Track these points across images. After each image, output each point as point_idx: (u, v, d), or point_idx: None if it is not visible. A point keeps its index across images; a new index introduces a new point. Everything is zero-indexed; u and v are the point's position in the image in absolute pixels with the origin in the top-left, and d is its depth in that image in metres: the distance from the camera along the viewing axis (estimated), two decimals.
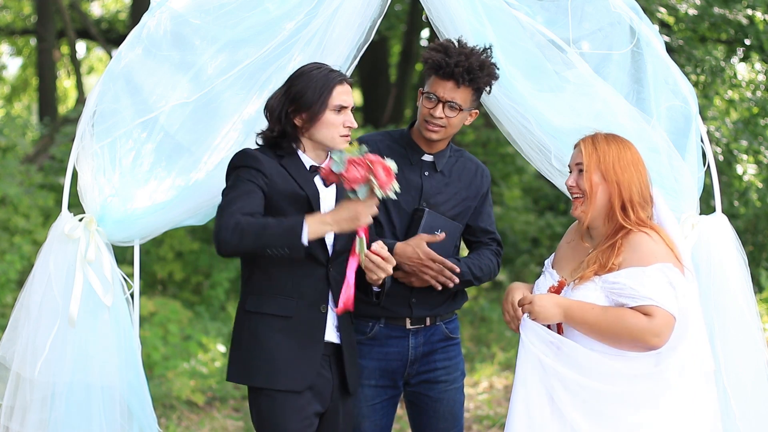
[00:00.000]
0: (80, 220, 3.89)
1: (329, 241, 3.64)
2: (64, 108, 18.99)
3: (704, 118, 8.72)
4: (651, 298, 3.36)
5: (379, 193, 3.43)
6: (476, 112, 4.02)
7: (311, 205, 3.60)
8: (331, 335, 3.69)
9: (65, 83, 20.47)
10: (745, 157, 9.17)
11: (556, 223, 11.53)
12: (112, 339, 3.86)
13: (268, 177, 3.57)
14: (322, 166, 3.59)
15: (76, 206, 3.94)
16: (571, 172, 3.62)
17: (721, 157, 8.88)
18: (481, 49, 3.89)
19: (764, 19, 9.06)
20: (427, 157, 4.08)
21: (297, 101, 3.61)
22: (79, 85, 16.01)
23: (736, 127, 9.30)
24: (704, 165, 3.97)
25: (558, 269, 3.66)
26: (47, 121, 14.04)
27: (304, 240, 3.44)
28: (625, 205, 3.49)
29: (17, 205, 9.02)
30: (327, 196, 3.69)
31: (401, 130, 4.17)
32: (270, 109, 3.67)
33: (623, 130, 3.90)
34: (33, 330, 3.84)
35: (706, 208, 4.12)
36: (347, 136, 3.65)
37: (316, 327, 3.64)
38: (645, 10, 4.12)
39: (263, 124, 3.91)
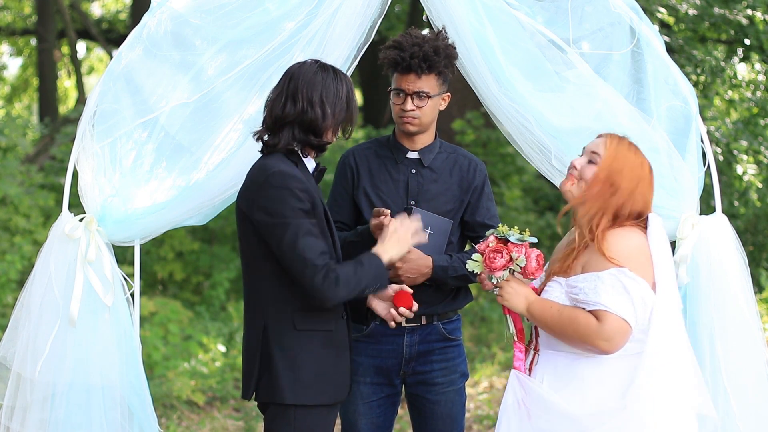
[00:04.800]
0: (81, 220, 3.89)
1: None
2: (64, 108, 19.01)
3: (704, 118, 8.72)
4: (601, 303, 3.36)
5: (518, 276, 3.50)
6: (448, 95, 4.08)
7: (325, 211, 3.59)
8: None
9: (65, 83, 20.49)
10: (745, 157, 9.17)
11: (557, 223, 11.51)
12: (113, 339, 3.86)
13: (309, 195, 3.51)
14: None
15: (76, 206, 3.94)
16: (582, 153, 3.60)
17: (721, 157, 8.88)
18: (435, 33, 3.94)
19: (764, 19, 9.07)
20: (412, 155, 4.10)
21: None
22: (80, 85, 16.01)
23: (736, 127, 9.30)
24: (704, 165, 3.97)
25: (549, 269, 3.67)
26: (47, 121, 14.05)
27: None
28: (603, 213, 3.46)
29: (18, 205, 9.02)
30: None
31: (387, 135, 4.21)
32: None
33: (623, 130, 3.90)
34: (33, 330, 3.84)
35: (706, 208, 4.13)
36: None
37: (345, 335, 3.67)
38: (645, 10, 4.12)
39: None
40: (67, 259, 3.85)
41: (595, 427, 3.36)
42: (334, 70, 3.60)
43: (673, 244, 3.94)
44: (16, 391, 3.85)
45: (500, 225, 3.51)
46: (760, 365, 3.83)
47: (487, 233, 3.53)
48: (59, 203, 8.86)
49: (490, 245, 3.47)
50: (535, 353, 3.59)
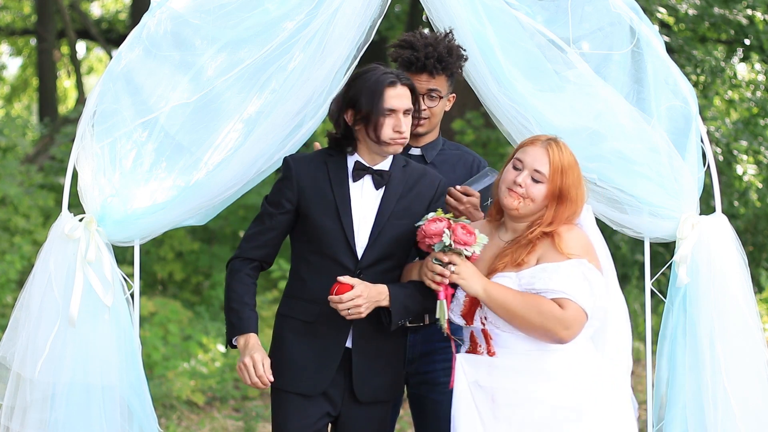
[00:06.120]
0: (80, 220, 3.89)
1: (359, 249, 3.68)
2: (64, 108, 19.01)
3: (704, 118, 8.73)
4: (563, 291, 3.43)
5: (448, 242, 3.48)
6: (453, 96, 4.10)
7: (338, 209, 3.66)
8: (348, 341, 3.71)
9: (65, 83, 20.50)
10: (745, 157, 9.18)
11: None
12: (113, 339, 3.86)
13: (296, 185, 3.70)
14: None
15: (76, 206, 3.94)
16: (521, 168, 3.59)
17: (721, 157, 8.89)
18: (443, 34, 3.95)
19: (764, 19, 9.07)
20: (415, 151, 4.11)
21: (353, 104, 3.68)
22: (79, 85, 16.02)
23: (736, 127, 9.31)
24: (704, 165, 3.97)
25: (492, 266, 3.66)
26: (47, 121, 14.06)
27: (232, 342, 3.70)
28: (555, 221, 3.55)
29: (17, 206, 9.03)
30: (364, 198, 3.72)
31: None
32: (330, 112, 3.77)
33: (623, 130, 3.91)
34: (33, 330, 3.84)
35: (706, 208, 4.12)
36: (398, 141, 3.65)
37: (341, 332, 3.67)
38: (645, 10, 4.11)
39: (263, 124, 3.91)
40: (67, 260, 3.85)
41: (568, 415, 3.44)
42: None
43: (673, 244, 3.94)
44: (16, 391, 3.85)
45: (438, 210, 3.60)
46: (760, 365, 3.83)
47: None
48: (59, 203, 8.86)
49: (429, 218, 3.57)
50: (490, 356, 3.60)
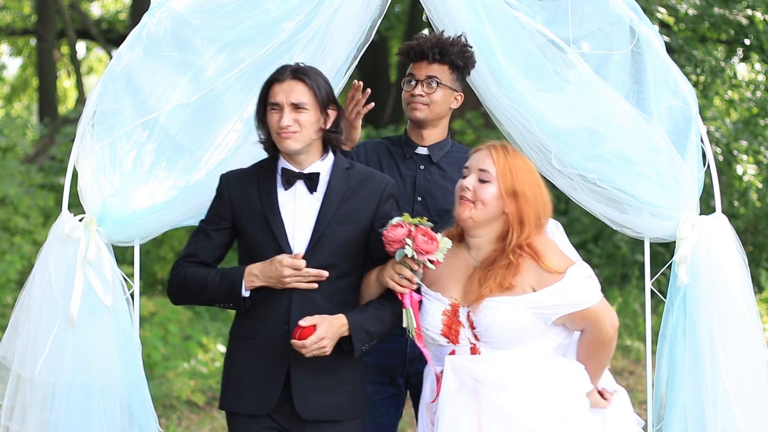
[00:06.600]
0: (80, 220, 3.89)
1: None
2: (64, 108, 19.01)
3: (704, 118, 8.73)
4: (583, 302, 3.43)
5: (411, 253, 3.37)
6: (461, 95, 4.04)
7: (267, 218, 3.53)
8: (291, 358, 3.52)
9: (65, 83, 20.49)
10: (745, 157, 9.18)
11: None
12: (112, 339, 3.86)
13: (227, 202, 3.60)
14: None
15: (76, 206, 3.94)
16: (467, 174, 3.54)
17: (721, 157, 8.90)
18: (456, 35, 3.96)
19: (764, 19, 9.08)
20: (422, 150, 4.09)
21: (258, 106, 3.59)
22: (79, 85, 16.03)
23: (736, 127, 9.32)
24: (704, 165, 3.97)
25: (440, 289, 3.57)
26: (47, 121, 14.06)
27: (245, 293, 3.50)
28: (522, 222, 3.49)
29: (17, 206, 9.03)
30: (297, 205, 3.56)
31: (399, 135, 4.21)
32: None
33: (623, 130, 3.91)
34: (33, 330, 3.84)
35: (706, 208, 4.12)
36: (283, 135, 3.49)
37: (282, 347, 3.50)
38: (645, 10, 4.11)
39: None
40: (67, 259, 3.85)
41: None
42: None
43: (673, 244, 3.94)
44: (16, 391, 3.85)
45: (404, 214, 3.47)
46: (760, 365, 3.83)
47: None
48: (59, 203, 8.85)
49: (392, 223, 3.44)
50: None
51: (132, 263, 4.08)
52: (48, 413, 3.82)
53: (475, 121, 11.24)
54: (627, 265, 10.51)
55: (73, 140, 4.00)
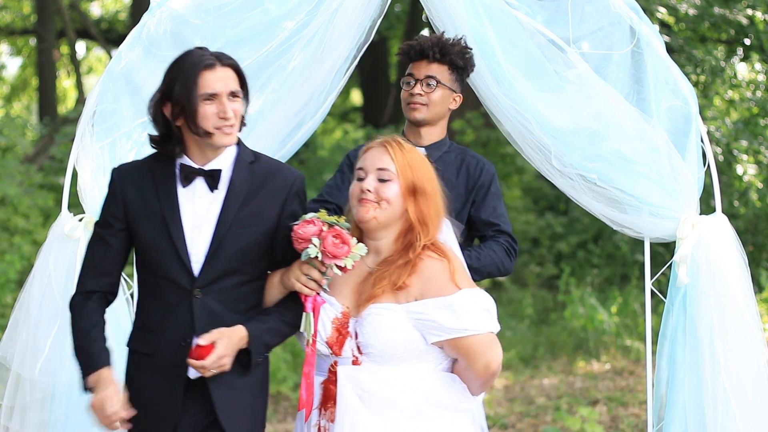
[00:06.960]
0: (80, 220, 3.89)
1: (196, 265, 3.24)
2: (63, 108, 19.00)
3: (704, 118, 8.73)
4: (467, 329, 3.20)
5: (316, 254, 3.14)
6: (460, 97, 4.03)
7: (166, 220, 3.23)
8: (192, 371, 3.25)
9: (65, 83, 20.48)
10: (745, 157, 9.19)
11: (556, 223, 11.55)
12: (112, 339, 3.85)
13: (121, 201, 3.28)
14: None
15: (76, 206, 3.94)
16: (364, 176, 3.31)
17: (721, 157, 8.90)
18: (456, 37, 3.95)
19: (764, 19, 9.08)
20: (420, 150, 4.08)
21: (169, 96, 3.21)
22: (79, 85, 16.03)
23: (736, 127, 9.32)
24: (704, 165, 3.97)
25: (336, 294, 3.34)
26: (47, 121, 14.04)
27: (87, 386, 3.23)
28: (425, 221, 3.31)
29: (17, 205, 9.03)
30: (196, 206, 3.26)
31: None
32: (148, 109, 3.28)
33: (623, 130, 3.91)
34: (33, 330, 3.84)
35: (706, 208, 4.12)
36: (226, 129, 3.19)
37: (180, 363, 3.22)
38: (645, 10, 4.12)
39: (264, 124, 3.90)
40: (67, 259, 3.85)
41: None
42: None
43: (673, 244, 3.94)
44: (16, 391, 3.85)
45: (320, 211, 3.25)
46: (760, 365, 3.83)
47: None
48: (59, 203, 8.85)
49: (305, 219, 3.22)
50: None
51: (132, 263, 4.08)
52: (48, 413, 3.82)
53: (475, 121, 11.24)
54: (627, 265, 10.51)
55: (72, 140, 4.01)
